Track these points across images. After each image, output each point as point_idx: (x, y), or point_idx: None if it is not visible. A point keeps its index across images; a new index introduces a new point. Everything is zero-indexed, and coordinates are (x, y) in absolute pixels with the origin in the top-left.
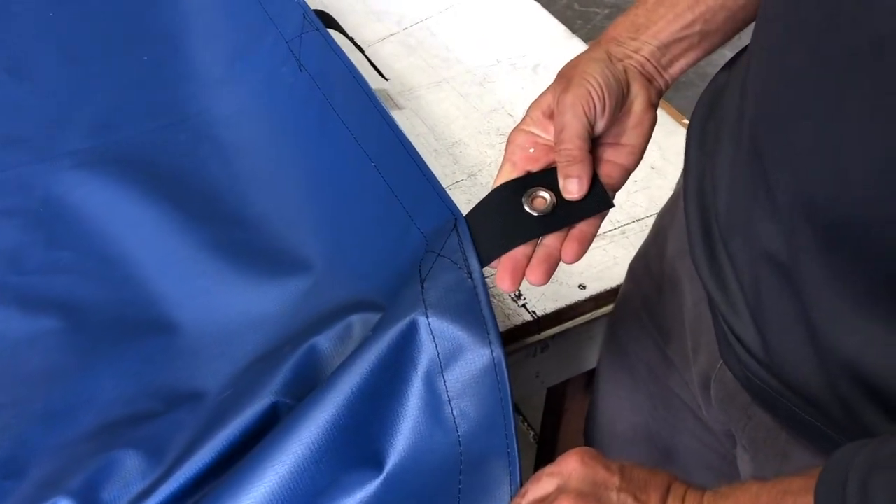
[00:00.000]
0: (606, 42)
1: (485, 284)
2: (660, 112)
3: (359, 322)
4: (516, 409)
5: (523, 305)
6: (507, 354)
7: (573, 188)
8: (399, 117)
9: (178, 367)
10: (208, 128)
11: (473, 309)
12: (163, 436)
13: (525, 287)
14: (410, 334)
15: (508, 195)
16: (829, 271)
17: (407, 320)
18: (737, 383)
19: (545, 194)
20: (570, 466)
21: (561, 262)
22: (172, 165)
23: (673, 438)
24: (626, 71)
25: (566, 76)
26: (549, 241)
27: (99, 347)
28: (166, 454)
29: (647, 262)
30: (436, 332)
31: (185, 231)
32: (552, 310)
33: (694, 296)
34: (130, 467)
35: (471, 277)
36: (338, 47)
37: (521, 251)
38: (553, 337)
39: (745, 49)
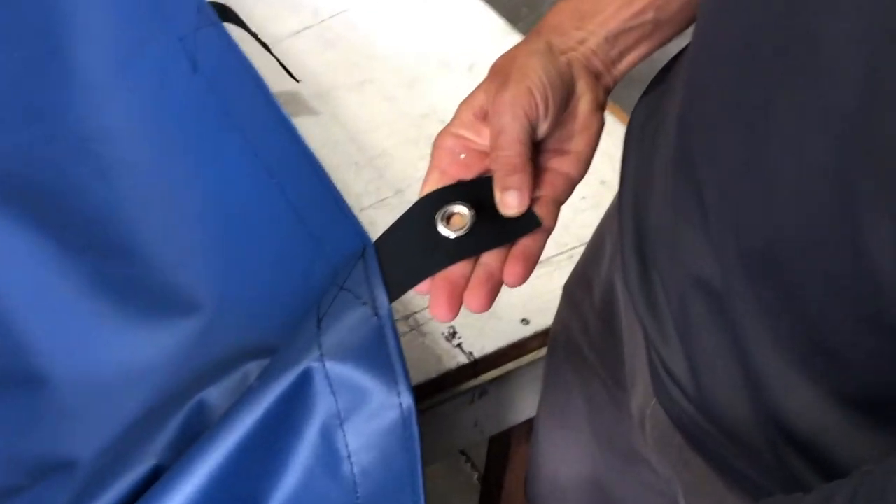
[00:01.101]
0: (547, 31)
1: (393, 322)
2: (610, 118)
3: (257, 371)
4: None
5: (458, 345)
6: (418, 409)
7: (512, 201)
8: (314, 124)
9: (45, 429)
10: (90, 141)
11: (379, 352)
12: None
13: (459, 323)
14: (303, 384)
15: (423, 212)
16: (760, 307)
17: (299, 369)
18: (670, 423)
19: (462, 209)
20: None
21: (500, 297)
22: (46, 184)
23: (620, 486)
24: (570, 65)
25: (502, 71)
26: (489, 259)
27: None
28: None
29: (586, 281)
30: (334, 379)
31: (59, 264)
32: (491, 349)
33: (629, 320)
34: None
35: (377, 315)
36: (236, 45)
37: (457, 271)
38: (493, 381)
39: None
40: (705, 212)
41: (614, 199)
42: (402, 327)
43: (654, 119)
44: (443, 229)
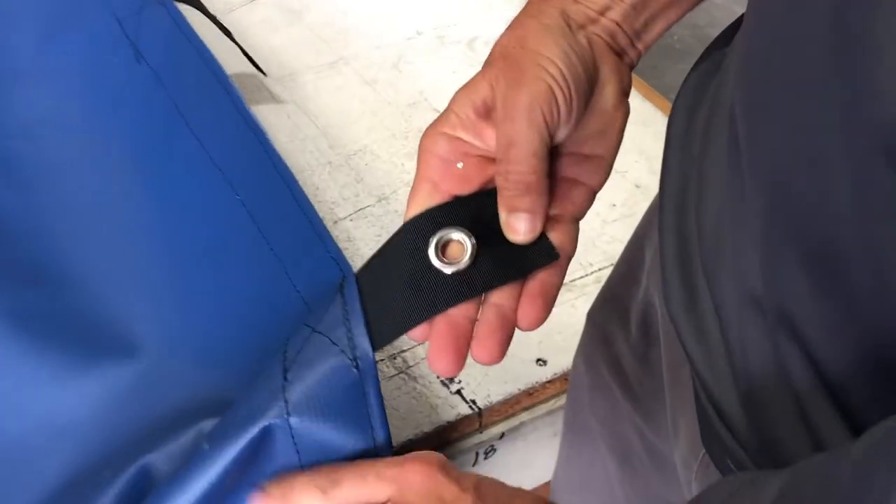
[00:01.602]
0: None
1: (375, 374)
2: (647, 107)
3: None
4: None
5: (458, 392)
6: None
7: (522, 227)
8: (276, 116)
9: None
10: (2, 139)
11: (357, 412)
12: None
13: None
14: (264, 444)
15: (412, 240)
16: (828, 323)
17: (258, 427)
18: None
19: (461, 236)
20: (412, 476)
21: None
22: None
23: None
24: (591, 46)
25: (511, 58)
26: (499, 297)
27: None
28: None
29: (618, 308)
30: (300, 440)
31: None
32: (499, 397)
33: (672, 353)
34: None
35: (356, 366)
36: (188, 27)
37: (460, 312)
38: (502, 436)
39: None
40: (762, 214)
41: (652, 206)
42: (387, 369)
43: (705, 105)
44: (437, 262)
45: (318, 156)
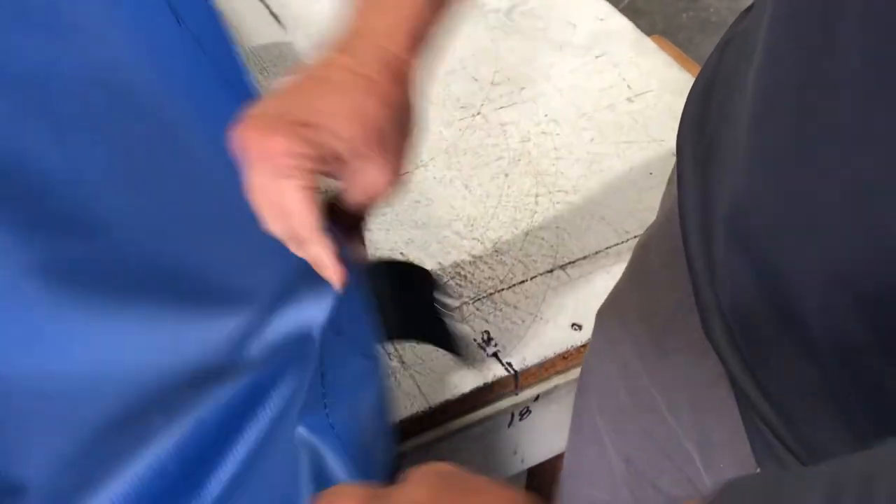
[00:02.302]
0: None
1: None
2: (684, 76)
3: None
4: None
5: (494, 354)
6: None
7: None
8: None
9: None
10: (37, 89)
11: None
12: None
13: (496, 328)
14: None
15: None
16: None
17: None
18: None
19: None
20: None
21: (546, 296)
22: None
23: None
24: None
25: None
26: None
27: None
28: None
29: (622, 305)
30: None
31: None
32: (535, 361)
33: (708, 371)
34: None
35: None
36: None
37: None
38: (537, 399)
39: None
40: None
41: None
42: None
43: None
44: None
45: None
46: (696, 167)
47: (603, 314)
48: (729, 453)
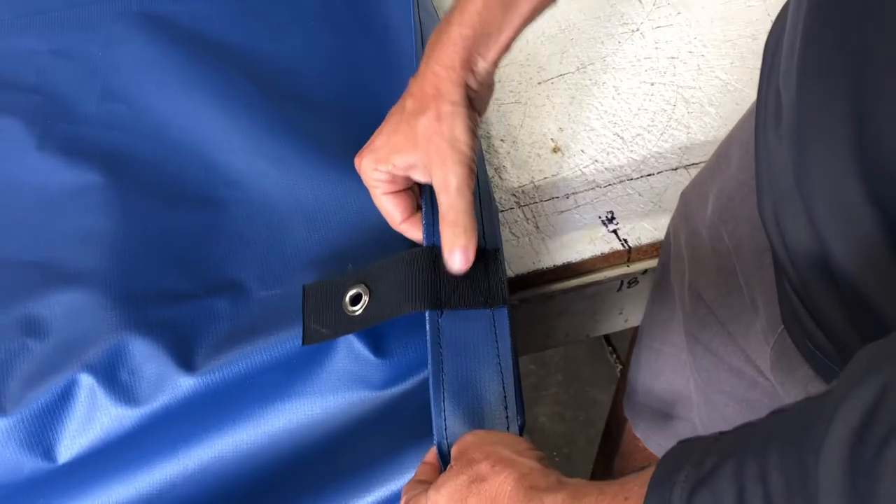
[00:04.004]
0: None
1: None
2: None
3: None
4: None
5: (614, 231)
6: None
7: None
8: None
9: (221, 248)
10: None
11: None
12: (194, 324)
13: (621, 210)
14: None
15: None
16: None
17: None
18: (799, 355)
19: (362, 292)
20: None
21: (668, 189)
22: (220, 38)
23: (716, 402)
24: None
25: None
26: None
27: (138, 209)
28: (194, 347)
29: (702, 191)
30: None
31: (250, 106)
32: (648, 241)
33: (754, 241)
34: (150, 353)
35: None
36: None
37: None
38: (644, 272)
39: None
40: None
41: (748, 110)
42: (561, 205)
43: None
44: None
45: (538, 29)
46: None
47: (687, 194)
48: (765, 317)
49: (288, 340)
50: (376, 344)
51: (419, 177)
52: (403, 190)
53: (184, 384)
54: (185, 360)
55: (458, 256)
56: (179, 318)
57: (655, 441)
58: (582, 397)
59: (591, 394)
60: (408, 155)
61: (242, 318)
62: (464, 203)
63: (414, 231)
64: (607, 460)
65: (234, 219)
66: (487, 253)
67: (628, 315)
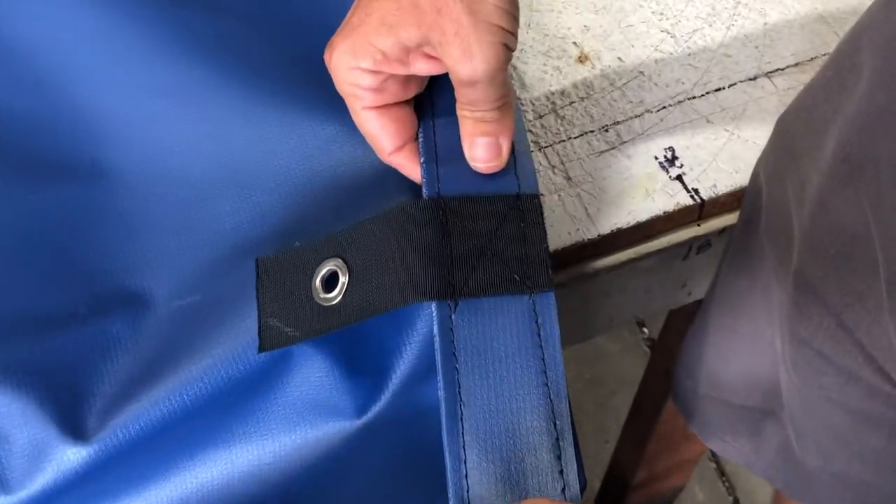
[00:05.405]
0: None
1: None
2: None
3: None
4: None
5: (678, 178)
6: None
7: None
8: None
9: (109, 241)
10: None
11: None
12: (78, 362)
13: (685, 146)
14: None
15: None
16: None
17: None
18: None
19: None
20: None
21: (746, 108)
22: None
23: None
24: None
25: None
26: None
27: None
28: (82, 399)
29: (818, 119)
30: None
31: (140, 17)
32: (727, 189)
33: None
34: (19, 414)
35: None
36: None
37: None
38: (722, 231)
39: None
40: None
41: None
42: (597, 142)
43: None
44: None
45: None
46: None
47: (787, 121)
48: None
49: (219, 367)
50: (348, 352)
51: (423, 68)
52: (396, 104)
53: (72, 457)
54: (70, 421)
55: (481, 147)
56: (56, 356)
57: (724, 441)
58: (587, 348)
59: (597, 342)
60: (405, 32)
61: (148, 344)
62: (496, 96)
63: (411, 165)
64: (638, 442)
65: (126, 191)
66: (523, 200)
67: (693, 287)
